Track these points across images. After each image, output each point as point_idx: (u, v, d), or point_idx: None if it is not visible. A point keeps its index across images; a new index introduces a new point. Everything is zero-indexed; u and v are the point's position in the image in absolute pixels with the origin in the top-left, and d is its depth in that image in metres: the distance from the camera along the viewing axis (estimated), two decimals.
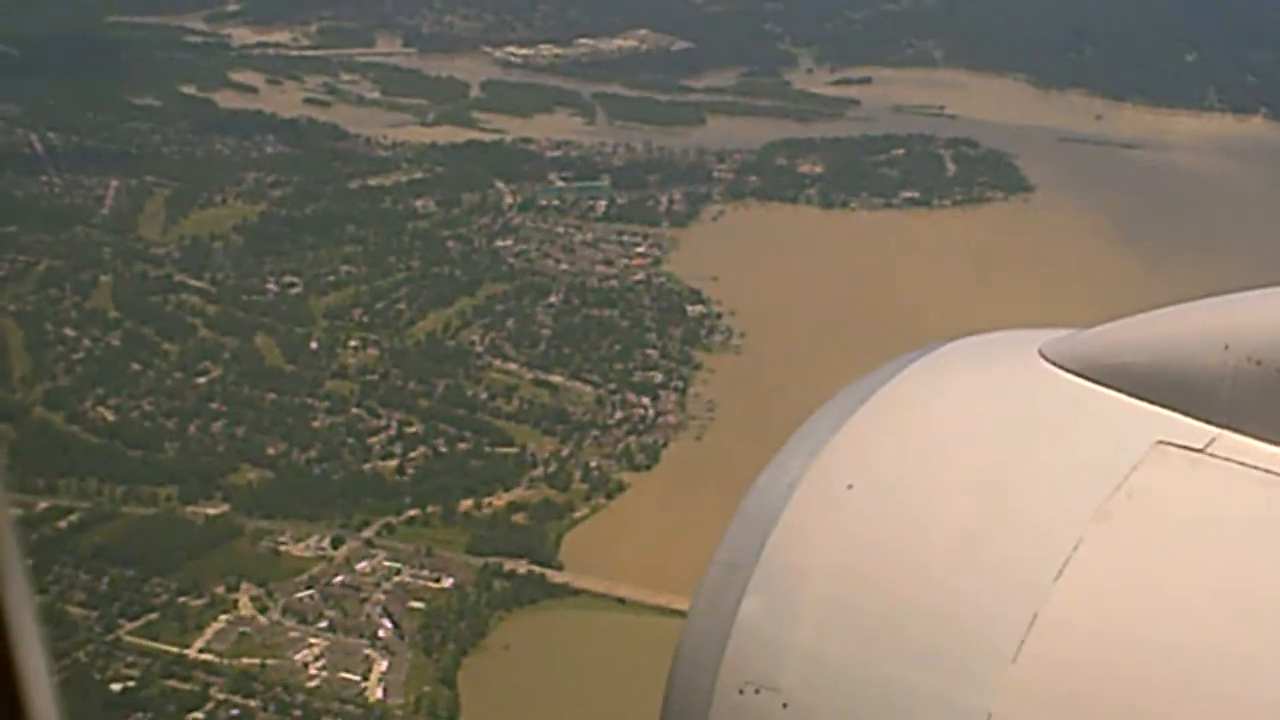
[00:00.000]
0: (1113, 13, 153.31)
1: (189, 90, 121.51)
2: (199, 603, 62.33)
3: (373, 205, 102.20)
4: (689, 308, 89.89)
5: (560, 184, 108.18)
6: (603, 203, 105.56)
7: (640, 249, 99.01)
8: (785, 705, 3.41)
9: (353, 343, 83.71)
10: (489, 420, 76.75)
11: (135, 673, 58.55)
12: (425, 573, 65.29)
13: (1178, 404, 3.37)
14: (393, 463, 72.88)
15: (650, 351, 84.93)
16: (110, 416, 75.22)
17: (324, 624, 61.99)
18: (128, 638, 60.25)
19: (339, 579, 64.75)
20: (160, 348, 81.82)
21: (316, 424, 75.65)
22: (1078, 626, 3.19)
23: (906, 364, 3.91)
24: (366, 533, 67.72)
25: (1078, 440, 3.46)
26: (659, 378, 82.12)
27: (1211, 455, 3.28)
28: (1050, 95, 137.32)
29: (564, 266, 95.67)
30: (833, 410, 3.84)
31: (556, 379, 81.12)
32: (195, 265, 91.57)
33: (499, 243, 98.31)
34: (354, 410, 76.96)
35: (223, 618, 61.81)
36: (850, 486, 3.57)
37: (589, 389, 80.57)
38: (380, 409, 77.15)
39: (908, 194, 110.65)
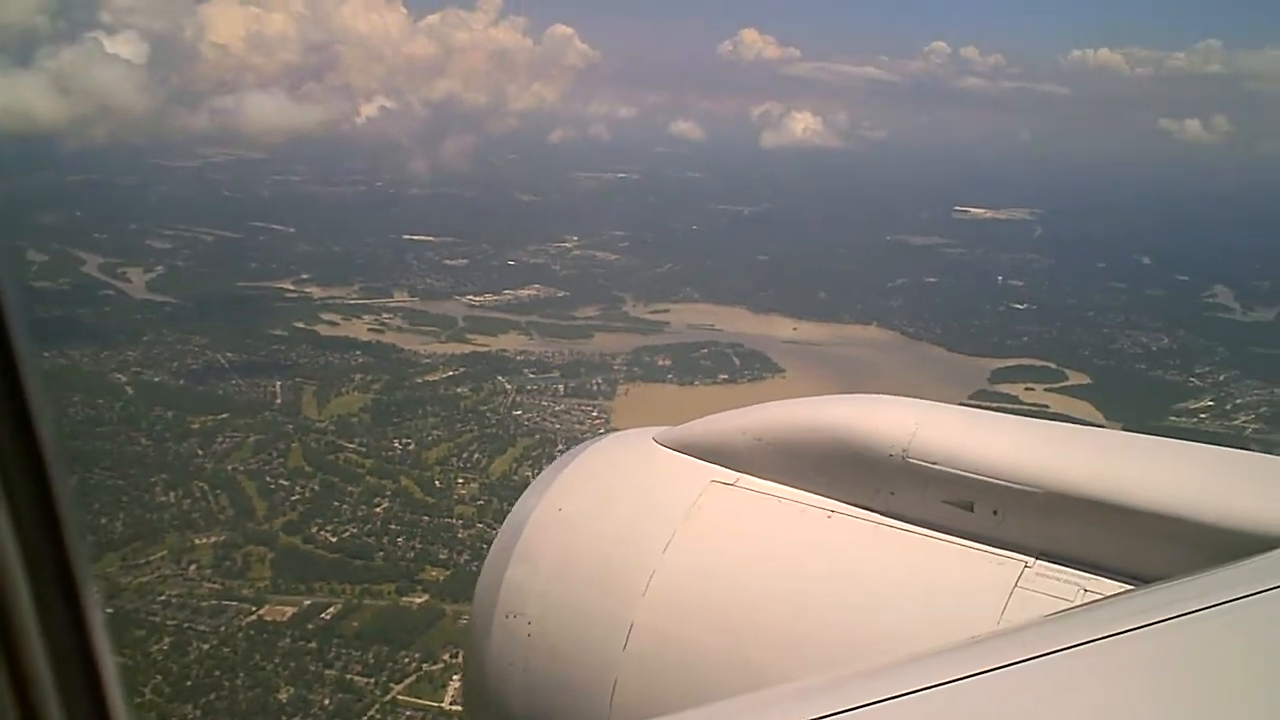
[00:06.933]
0: (769, 245, 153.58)
1: (300, 325, 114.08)
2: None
3: (433, 392, 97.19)
4: None
5: (532, 376, 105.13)
6: (559, 386, 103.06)
7: (588, 407, 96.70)
8: (529, 623, 3.29)
9: (459, 480, 78.45)
10: None
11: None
12: None
13: (722, 461, 3.41)
14: None
15: None
16: (331, 538, 67.98)
17: None
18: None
19: None
20: (345, 490, 75.07)
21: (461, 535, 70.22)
22: (668, 614, 3.08)
23: (583, 450, 3.76)
24: None
25: (662, 485, 3.40)
26: None
27: (738, 488, 3.33)
28: (759, 317, 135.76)
29: (557, 425, 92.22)
30: (552, 469, 3.61)
31: None
32: (347, 433, 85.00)
33: (515, 412, 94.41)
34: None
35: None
36: (560, 510, 3.42)
37: None
38: None
39: (722, 375, 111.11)
